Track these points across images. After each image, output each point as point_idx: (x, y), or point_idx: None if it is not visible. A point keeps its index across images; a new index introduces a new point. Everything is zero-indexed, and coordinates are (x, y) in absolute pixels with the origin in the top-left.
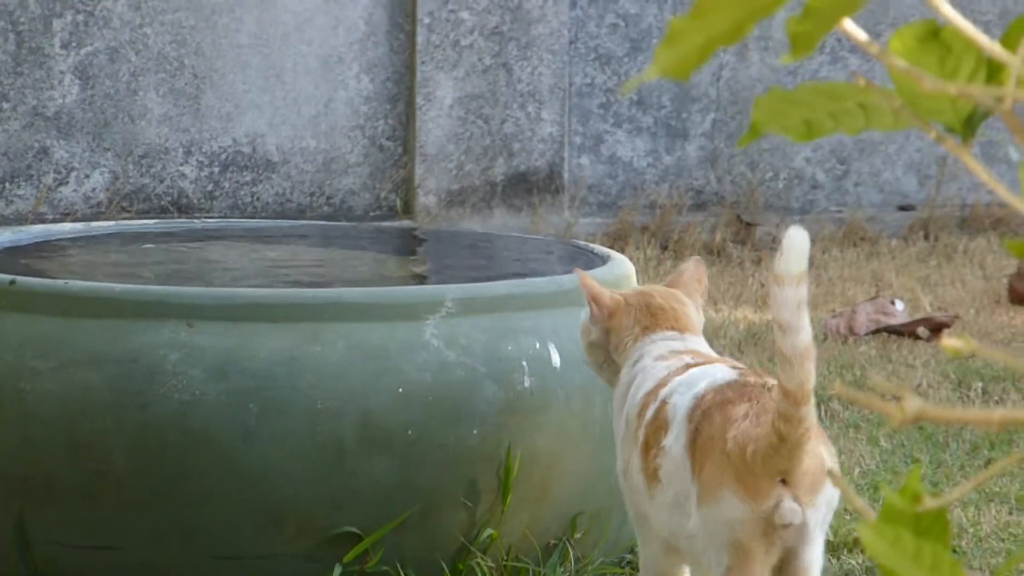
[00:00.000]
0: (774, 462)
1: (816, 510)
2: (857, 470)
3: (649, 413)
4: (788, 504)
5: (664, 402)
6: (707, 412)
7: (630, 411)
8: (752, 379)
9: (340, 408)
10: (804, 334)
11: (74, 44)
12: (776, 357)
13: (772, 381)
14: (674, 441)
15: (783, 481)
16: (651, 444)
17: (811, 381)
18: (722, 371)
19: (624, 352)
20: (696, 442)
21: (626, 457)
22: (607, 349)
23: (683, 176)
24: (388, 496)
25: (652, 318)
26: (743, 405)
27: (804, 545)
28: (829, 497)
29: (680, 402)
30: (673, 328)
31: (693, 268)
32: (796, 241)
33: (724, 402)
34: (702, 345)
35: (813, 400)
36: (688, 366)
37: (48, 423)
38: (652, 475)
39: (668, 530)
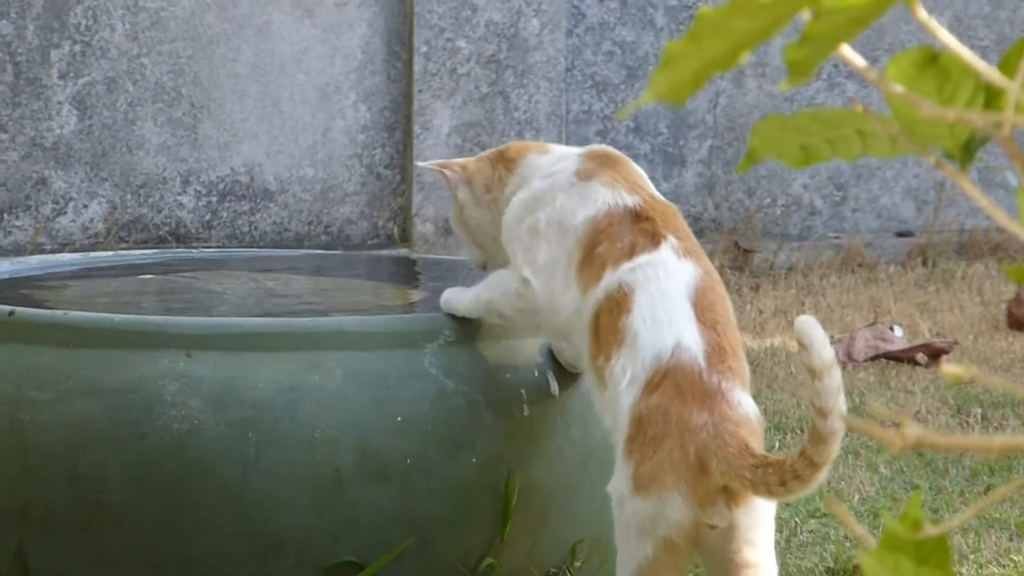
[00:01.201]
0: (749, 491)
1: (748, 513)
2: (856, 497)
3: (599, 292)
4: (719, 508)
5: (624, 294)
6: (664, 409)
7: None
8: (715, 370)
9: (339, 437)
10: (839, 418)
11: (72, 74)
12: (809, 432)
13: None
14: (625, 385)
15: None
16: (604, 340)
17: (835, 455)
18: (689, 328)
19: (501, 187)
20: (646, 427)
21: (561, 285)
22: (488, 208)
23: (680, 202)
24: (387, 525)
25: (508, 160)
26: (702, 414)
27: (744, 546)
28: (763, 502)
29: (645, 339)
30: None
31: None
32: (812, 330)
33: (682, 399)
34: (565, 151)
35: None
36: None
37: (47, 454)
38: (599, 372)
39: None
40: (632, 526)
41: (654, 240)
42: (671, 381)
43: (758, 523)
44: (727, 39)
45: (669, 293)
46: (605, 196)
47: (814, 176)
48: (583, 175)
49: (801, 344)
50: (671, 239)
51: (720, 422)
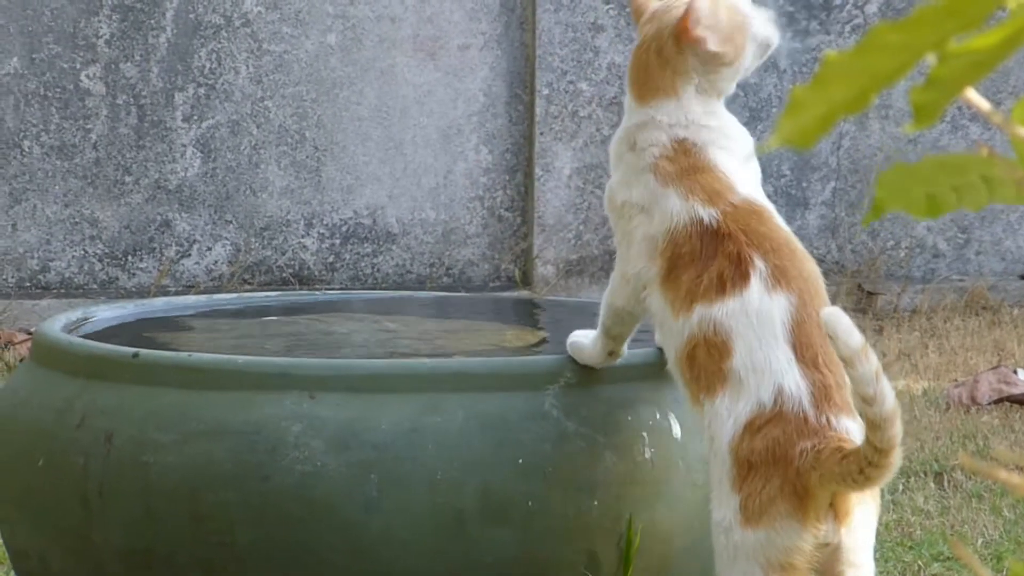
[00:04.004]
0: (840, 486)
1: (851, 531)
2: (980, 540)
3: (693, 326)
4: (829, 524)
5: (722, 339)
6: (771, 449)
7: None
8: (821, 410)
9: (460, 479)
10: (888, 401)
11: (196, 117)
12: (865, 423)
13: (843, 423)
14: (729, 426)
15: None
16: (705, 377)
17: (899, 437)
18: (789, 373)
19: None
20: (755, 465)
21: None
22: None
23: (804, 244)
24: (508, 568)
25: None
26: (809, 440)
27: (848, 569)
28: (866, 519)
29: (748, 387)
30: None
31: None
32: (838, 321)
33: (787, 439)
34: None
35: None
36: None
37: (170, 495)
38: (696, 401)
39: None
40: (740, 555)
41: (741, 270)
42: (775, 425)
43: (860, 544)
44: (854, 83)
45: (766, 338)
46: (678, 208)
47: (938, 219)
48: (662, 177)
49: (829, 336)
50: (758, 264)
51: (821, 443)
